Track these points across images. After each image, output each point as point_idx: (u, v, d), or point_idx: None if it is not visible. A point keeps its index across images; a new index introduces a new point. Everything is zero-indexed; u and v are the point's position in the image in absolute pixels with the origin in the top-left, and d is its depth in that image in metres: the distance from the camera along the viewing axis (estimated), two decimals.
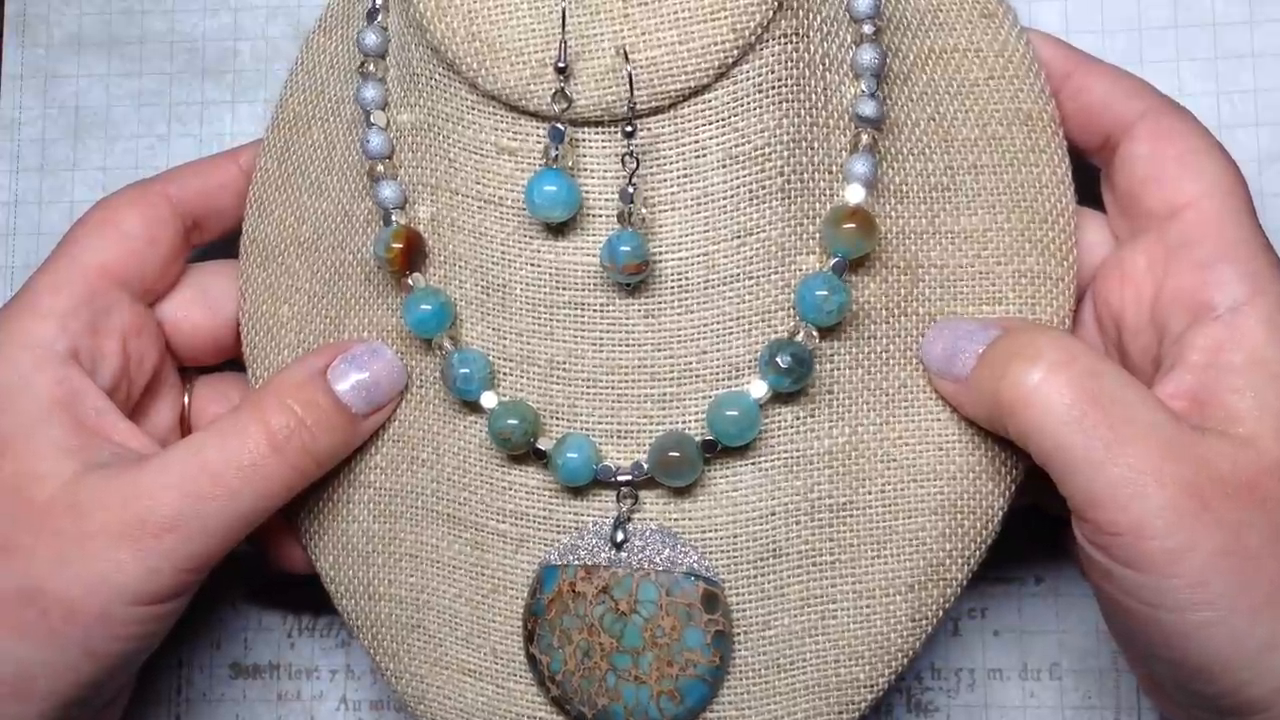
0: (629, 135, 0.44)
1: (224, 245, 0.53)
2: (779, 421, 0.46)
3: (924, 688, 0.55)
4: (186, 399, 0.53)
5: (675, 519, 0.46)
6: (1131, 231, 0.47)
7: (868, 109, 0.45)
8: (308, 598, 0.57)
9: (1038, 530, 0.54)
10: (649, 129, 0.44)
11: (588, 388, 0.46)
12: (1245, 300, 0.43)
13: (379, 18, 0.48)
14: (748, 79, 0.44)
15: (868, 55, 0.45)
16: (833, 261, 0.45)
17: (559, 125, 0.44)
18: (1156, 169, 0.46)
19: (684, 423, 0.46)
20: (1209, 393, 0.42)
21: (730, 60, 0.43)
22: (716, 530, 0.46)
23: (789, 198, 0.45)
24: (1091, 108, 0.48)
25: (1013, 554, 0.55)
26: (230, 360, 0.54)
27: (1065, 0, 0.56)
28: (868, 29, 0.45)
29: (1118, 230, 0.48)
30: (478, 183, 0.46)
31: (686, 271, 0.45)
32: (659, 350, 0.46)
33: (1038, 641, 0.55)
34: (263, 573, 0.54)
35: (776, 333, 0.45)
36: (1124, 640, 0.46)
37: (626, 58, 0.43)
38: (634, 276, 0.44)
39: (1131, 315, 0.46)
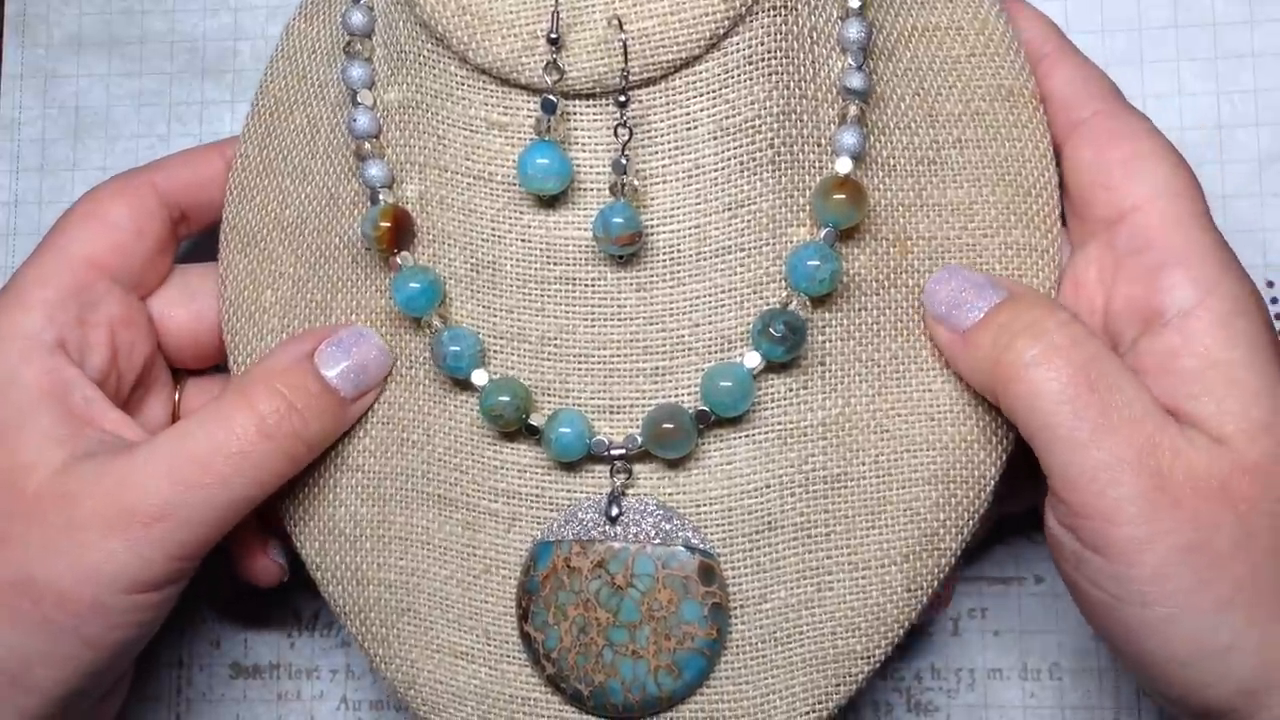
0: (622, 105, 0.44)
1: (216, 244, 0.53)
2: (772, 393, 0.46)
3: (924, 688, 0.55)
4: (177, 396, 0.53)
5: (669, 493, 0.46)
6: (1080, 238, 0.47)
7: (855, 81, 0.45)
8: (308, 597, 0.57)
9: (1037, 530, 0.54)
10: (639, 101, 0.45)
11: (579, 363, 0.46)
12: (1196, 304, 0.43)
13: None
14: (738, 51, 0.44)
15: (854, 29, 0.45)
16: (824, 231, 0.45)
17: (551, 97, 0.44)
18: (1103, 174, 0.46)
19: (677, 396, 0.46)
20: (1169, 400, 0.43)
21: (721, 31, 0.44)
22: (711, 504, 0.46)
23: (779, 169, 0.45)
24: (1044, 99, 0.48)
25: (1013, 554, 0.55)
26: (218, 366, 0.53)
27: (1065, 0, 0.57)
28: (854, 3, 0.46)
29: (1074, 233, 0.48)
30: (467, 159, 0.46)
31: (678, 244, 0.45)
32: (651, 324, 0.46)
33: (1038, 641, 0.55)
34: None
35: (768, 304, 0.45)
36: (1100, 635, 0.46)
37: (621, 26, 0.43)
38: (627, 248, 0.44)
39: (1086, 324, 0.46)
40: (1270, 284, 0.54)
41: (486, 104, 0.46)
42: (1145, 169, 0.45)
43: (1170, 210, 0.44)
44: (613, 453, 0.46)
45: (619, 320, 0.46)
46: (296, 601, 0.58)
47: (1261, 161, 0.55)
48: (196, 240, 0.54)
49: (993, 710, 0.55)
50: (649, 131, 0.45)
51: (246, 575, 0.52)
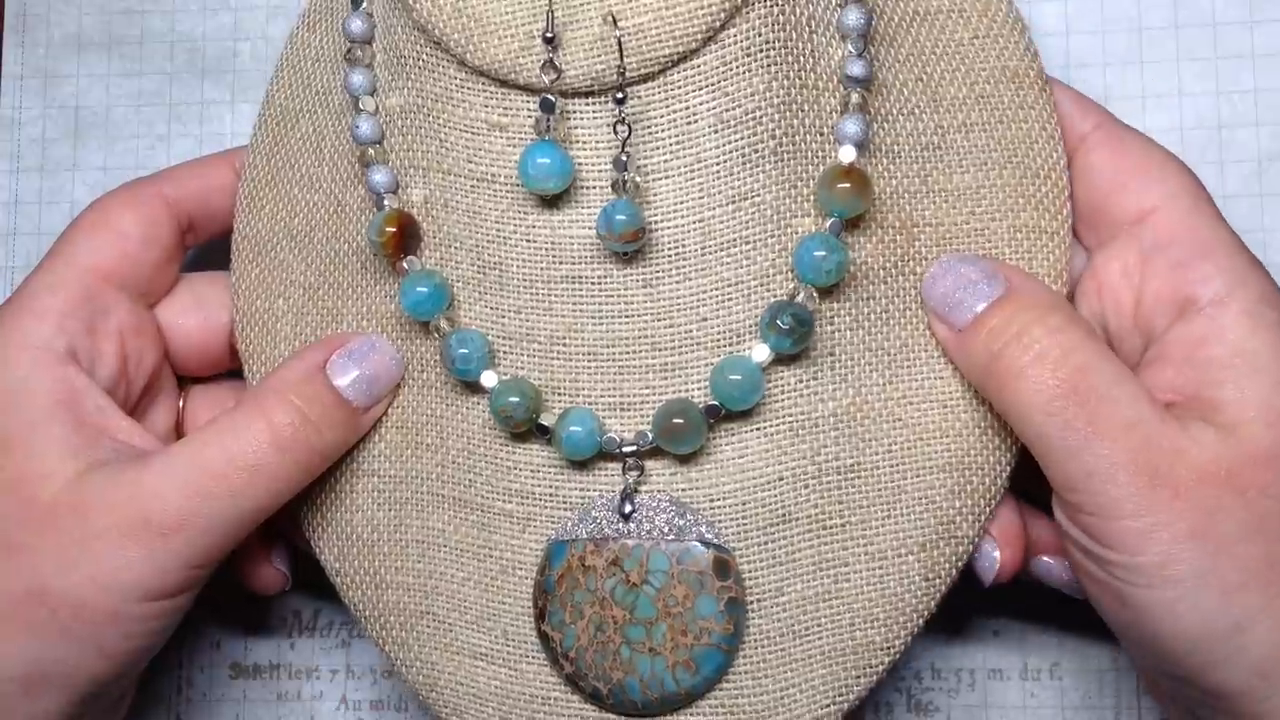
0: (620, 102, 0.44)
1: (222, 253, 0.53)
2: (782, 385, 0.46)
3: (924, 688, 0.55)
4: (182, 403, 0.53)
5: (683, 489, 0.46)
6: (1098, 241, 0.47)
7: (856, 69, 0.45)
8: (308, 597, 0.57)
9: None
10: (639, 96, 0.44)
11: (589, 361, 0.46)
12: (1226, 294, 0.43)
13: (364, 4, 0.48)
14: (735, 43, 0.44)
15: (854, 16, 0.45)
16: (829, 221, 0.44)
17: (550, 96, 0.44)
18: (1118, 178, 0.46)
19: (687, 391, 0.46)
20: (1192, 387, 0.43)
21: (718, 24, 0.44)
22: (725, 498, 0.46)
23: (782, 161, 0.45)
24: None
25: None
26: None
27: (1065, 0, 0.56)
28: None
29: (1085, 239, 0.48)
30: (470, 161, 0.46)
31: (683, 239, 0.45)
32: (659, 320, 0.46)
33: (1038, 641, 0.55)
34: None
35: (775, 296, 0.45)
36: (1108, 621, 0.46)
37: (615, 23, 0.43)
38: (631, 245, 0.44)
39: (1113, 323, 0.46)
40: None
41: (487, 106, 0.45)
42: (1158, 175, 0.46)
43: (1192, 208, 0.45)
44: (624, 450, 0.46)
45: (627, 317, 0.46)
46: (296, 602, 0.58)
47: (1261, 161, 0.55)
48: (200, 249, 0.54)
49: (993, 710, 0.54)
50: (649, 127, 0.45)
51: (249, 583, 0.53)
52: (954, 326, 0.45)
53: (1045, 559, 0.48)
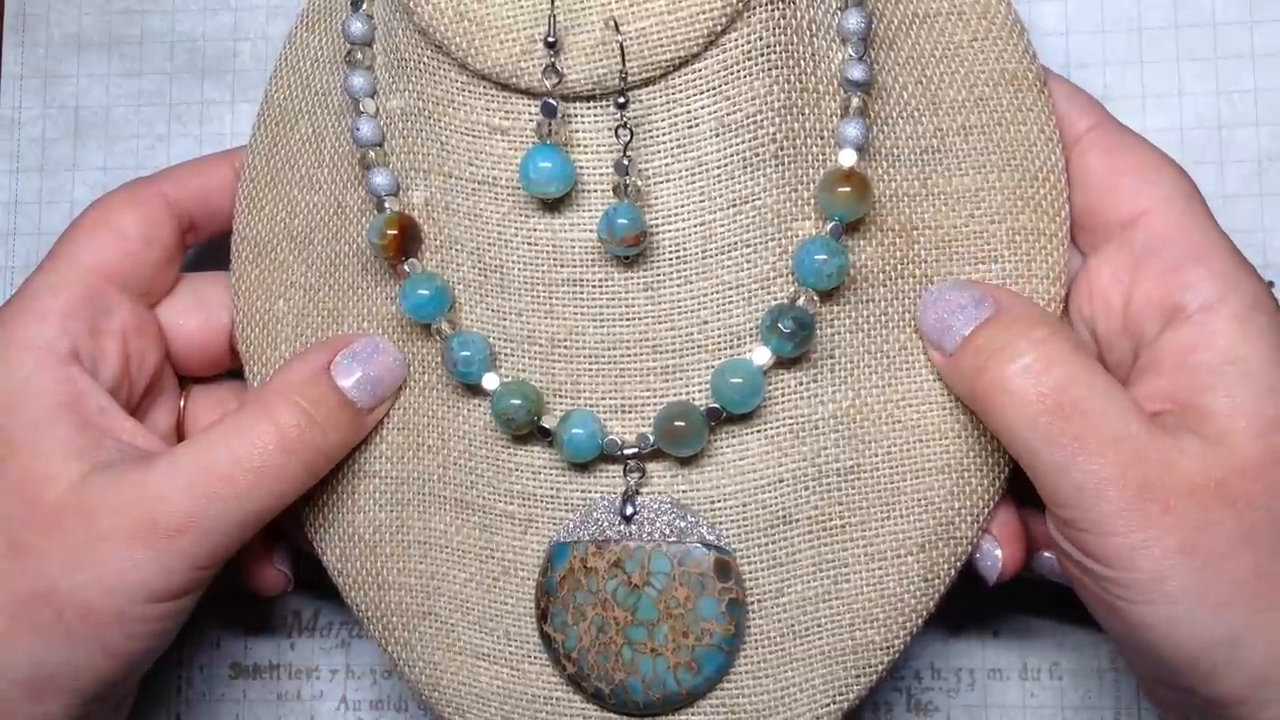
0: (622, 106, 0.44)
1: (223, 253, 0.53)
2: (783, 388, 0.46)
3: (924, 688, 0.55)
4: (183, 403, 0.53)
5: (684, 491, 0.46)
6: (1092, 244, 0.47)
7: (856, 72, 0.45)
8: (308, 597, 0.57)
9: None
10: (640, 101, 0.44)
11: (590, 364, 0.46)
12: (1216, 299, 0.43)
13: (364, 5, 0.48)
14: (737, 46, 0.44)
15: (854, 19, 0.45)
16: (830, 225, 0.45)
17: (551, 100, 0.44)
18: (1112, 180, 0.46)
19: (688, 393, 0.46)
20: (1184, 394, 0.43)
21: (719, 28, 0.44)
22: (725, 500, 0.46)
23: (782, 164, 0.45)
24: None
25: None
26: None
27: (1065, 0, 0.56)
28: None
29: (1080, 244, 0.48)
30: (471, 164, 0.46)
31: (684, 242, 0.45)
32: (660, 323, 0.46)
33: (1038, 641, 0.55)
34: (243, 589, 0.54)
35: (776, 299, 0.45)
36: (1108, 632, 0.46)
37: (617, 28, 0.43)
38: (632, 249, 0.44)
39: (1103, 327, 0.46)
40: (1271, 284, 0.54)
41: (488, 109, 0.45)
42: (1152, 177, 0.46)
43: (1185, 211, 0.45)
44: (625, 452, 0.46)
45: (628, 320, 0.46)
46: (297, 602, 0.58)
47: (1261, 161, 0.55)
48: (200, 249, 0.54)
49: (993, 710, 0.55)
50: (651, 131, 0.45)
51: (251, 583, 0.53)
52: (945, 351, 0.45)
53: (1046, 554, 0.48)
